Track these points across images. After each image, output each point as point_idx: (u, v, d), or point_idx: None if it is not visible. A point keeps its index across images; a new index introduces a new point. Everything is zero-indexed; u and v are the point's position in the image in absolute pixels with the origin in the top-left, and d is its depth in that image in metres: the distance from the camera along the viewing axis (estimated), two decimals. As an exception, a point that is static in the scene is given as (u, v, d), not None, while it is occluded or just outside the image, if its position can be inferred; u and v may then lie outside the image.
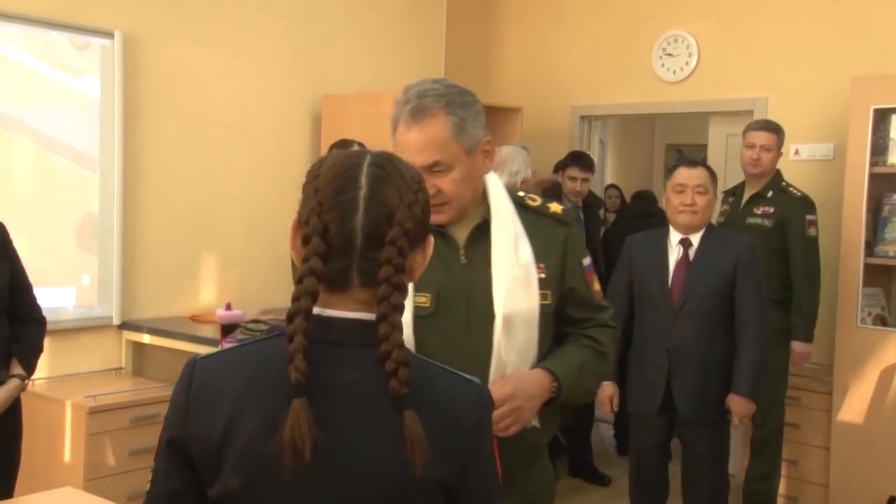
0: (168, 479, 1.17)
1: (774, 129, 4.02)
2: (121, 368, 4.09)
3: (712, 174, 3.31)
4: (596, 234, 4.94)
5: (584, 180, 4.64)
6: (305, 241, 1.13)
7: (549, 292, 1.79)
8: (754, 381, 3.21)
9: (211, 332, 3.95)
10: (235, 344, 1.26)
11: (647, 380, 3.31)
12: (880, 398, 3.93)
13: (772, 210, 3.95)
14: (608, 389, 3.40)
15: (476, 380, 1.18)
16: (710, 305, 3.23)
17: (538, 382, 1.73)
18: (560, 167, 4.81)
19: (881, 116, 4.02)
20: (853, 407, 3.99)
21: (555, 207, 1.88)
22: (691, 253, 3.28)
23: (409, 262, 1.16)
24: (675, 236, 3.32)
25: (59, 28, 3.81)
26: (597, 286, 1.92)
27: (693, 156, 7.98)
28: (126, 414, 3.59)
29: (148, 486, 1.20)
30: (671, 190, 3.29)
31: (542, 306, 1.77)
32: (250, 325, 3.99)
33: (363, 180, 1.14)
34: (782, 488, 4.18)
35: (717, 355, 3.24)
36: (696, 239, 3.29)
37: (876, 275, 4.10)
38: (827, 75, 4.51)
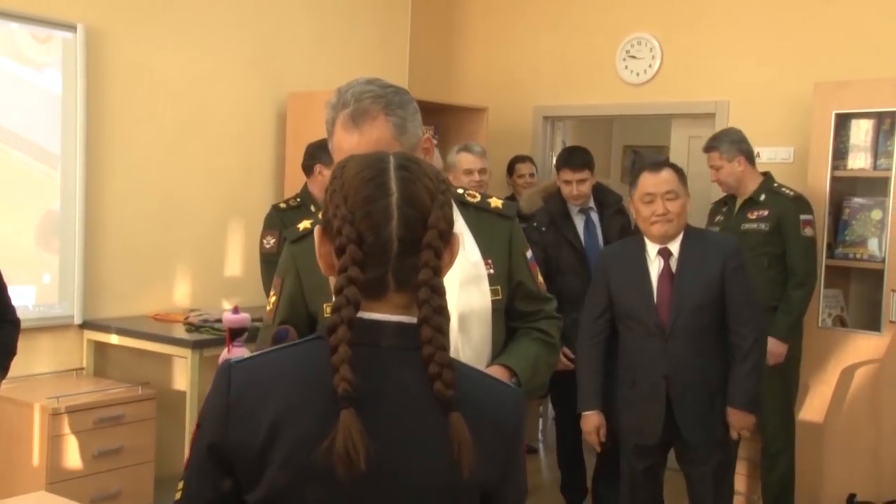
0: (203, 485, 1.15)
1: (711, 145, 4.04)
2: (82, 369, 4.00)
3: (680, 174, 3.05)
4: (614, 237, 4.08)
5: (581, 181, 4.06)
6: (340, 251, 1.12)
7: (499, 287, 1.81)
8: (751, 392, 2.97)
9: (175, 331, 3.90)
10: (271, 347, 1.24)
11: (645, 409, 3.03)
12: (840, 397, 4.01)
13: (766, 213, 3.90)
14: (594, 419, 3.09)
15: (513, 386, 1.21)
16: (703, 320, 2.97)
17: None
18: (556, 169, 4.30)
19: (842, 121, 4.10)
20: (814, 406, 4.07)
21: (495, 202, 1.89)
22: (673, 263, 3.00)
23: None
24: (652, 247, 3.04)
25: (19, 20, 3.71)
26: (540, 278, 1.93)
27: (651, 157, 8.11)
28: (90, 415, 3.51)
29: (177, 495, 1.18)
30: (639, 200, 3.01)
31: (494, 301, 1.79)
32: (216, 325, 3.95)
33: (393, 185, 1.13)
34: (742, 486, 4.24)
35: (715, 373, 3.00)
36: (675, 247, 3.01)
37: (835, 276, 4.19)
38: (789, 80, 4.59)
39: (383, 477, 1.09)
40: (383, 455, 1.08)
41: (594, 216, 4.16)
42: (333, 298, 1.10)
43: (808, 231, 3.87)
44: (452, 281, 1.73)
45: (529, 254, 1.91)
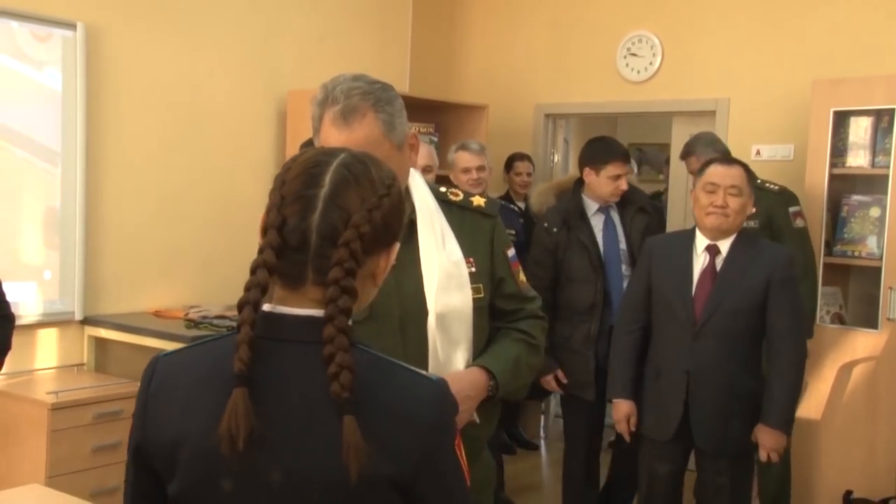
0: (133, 483, 1.21)
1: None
2: (83, 364, 4.03)
3: (749, 173, 2.98)
4: (636, 239, 3.72)
5: (627, 174, 3.74)
6: (264, 232, 1.13)
7: (481, 286, 1.82)
8: (787, 412, 2.87)
9: (175, 327, 3.92)
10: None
11: (664, 403, 2.97)
12: (838, 394, 4.02)
13: (754, 210, 3.88)
14: (625, 407, 3.05)
15: (436, 378, 1.17)
16: (737, 324, 2.87)
17: (474, 382, 1.75)
18: (592, 163, 3.75)
19: (840, 119, 4.10)
20: (812, 403, 4.07)
21: (478, 201, 1.89)
22: (718, 262, 2.92)
23: (370, 266, 1.16)
24: (701, 241, 2.96)
25: (19, 18, 3.74)
26: (522, 277, 1.93)
27: (654, 155, 8.11)
28: (89, 410, 3.54)
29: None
30: (700, 189, 2.92)
31: (476, 300, 1.79)
32: (216, 321, 3.98)
33: (327, 179, 1.13)
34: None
35: (744, 383, 2.90)
36: (725, 246, 2.93)
37: (834, 274, 4.19)
38: (788, 78, 4.59)
39: (278, 468, 1.09)
40: (279, 446, 1.09)
41: (615, 215, 3.80)
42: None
43: (799, 222, 3.85)
44: (431, 280, 1.73)
45: (511, 252, 1.91)
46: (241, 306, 1.10)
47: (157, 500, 1.17)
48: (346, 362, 1.06)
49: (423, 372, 1.19)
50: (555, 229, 3.72)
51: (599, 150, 3.77)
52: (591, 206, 3.79)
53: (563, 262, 3.70)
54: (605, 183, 3.71)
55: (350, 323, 1.11)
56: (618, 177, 3.69)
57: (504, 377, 1.78)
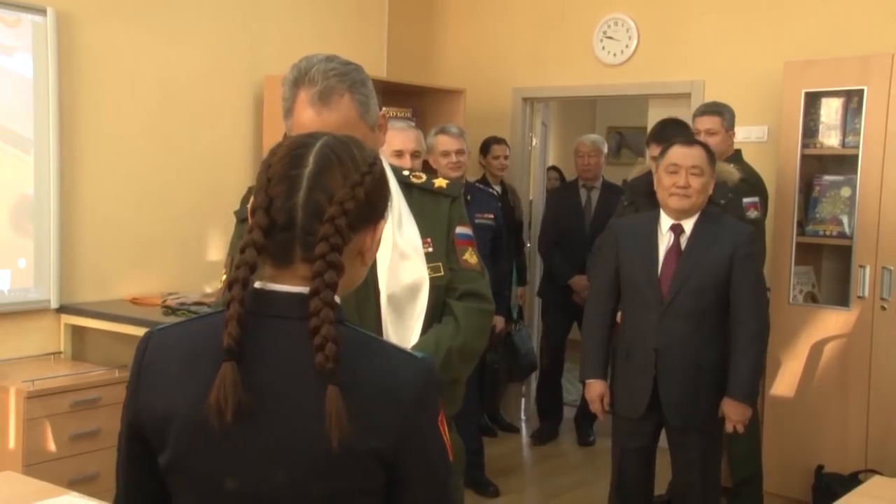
0: (126, 453, 1.25)
1: (716, 111, 3.99)
2: (60, 353, 4.02)
3: (710, 154, 3.03)
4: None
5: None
6: (252, 213, 1.16)
7: (440, 264, 1.82)
8: (751, 384, 2.97)
9: (153, 314, 3.92)
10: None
11: (634, 380, 3.04)
12: (810, 372, 4.07)
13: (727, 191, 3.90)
14: (597, 387, 3.13)
15: (421, 356, 1.21)
16: (703, 301, 2.95)
17: None
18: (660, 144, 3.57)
19: (812, 99, 4.13)
20: (785, 381, 4.13)
21: (440, 182, 1.90)
22: (683, 241, 2.99)
23: (357, 244, 1.19)
24: (665, 221, 3.03)
25: (-11, 4, 3.71)
26: (469, 256, 1.89)
27: (633, 138, 8.15)
28: (66, 398, 3.54)
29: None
30: (663, 170, 2.99)
31: (435, 279, 1.80)
32: (193, 308, 3.98)
33: (311, 159, 1.17)
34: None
35: (709, 357, 2.97)
36: (688, 225, 2.99)
37: (807, 253, 4.24)
38: (761, 59, 4.62)
39: (265, 439, 1.13)
40: (266, 418, 1.12)
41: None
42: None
43: (752, 213, 3.85)
44: (383, 261, 1.75)
45: (462, 230, 1.90)
46: (230, 284, 1.13)
47: (149, 469, 1.21)
48: (331, 334, 1.10)
49: (410, 350, 1.24)
50: (625, 203, 3.82)
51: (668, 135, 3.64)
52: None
53: None
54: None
55: (337, 300, 1.14)
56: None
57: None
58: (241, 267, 1.13)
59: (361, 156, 1.20)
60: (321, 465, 1.12)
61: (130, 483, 1.27)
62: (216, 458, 1.14)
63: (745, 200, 3.85)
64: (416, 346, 1.77)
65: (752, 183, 3.93)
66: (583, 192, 5.32)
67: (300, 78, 1.68)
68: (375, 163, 1.21)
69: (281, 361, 1.14)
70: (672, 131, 3.70)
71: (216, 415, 1.08)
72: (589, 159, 5.26)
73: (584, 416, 5.13)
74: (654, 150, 3.69)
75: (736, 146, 4.20)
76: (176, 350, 1.20)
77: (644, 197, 3.73)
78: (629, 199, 3.86)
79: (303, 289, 1.15)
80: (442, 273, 1.83)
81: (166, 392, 1.17)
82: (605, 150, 5.48)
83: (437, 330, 1.81)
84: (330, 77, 1.66)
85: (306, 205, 1.14)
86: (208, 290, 4.49)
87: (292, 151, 1.18)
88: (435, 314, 1.82)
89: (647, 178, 3.77)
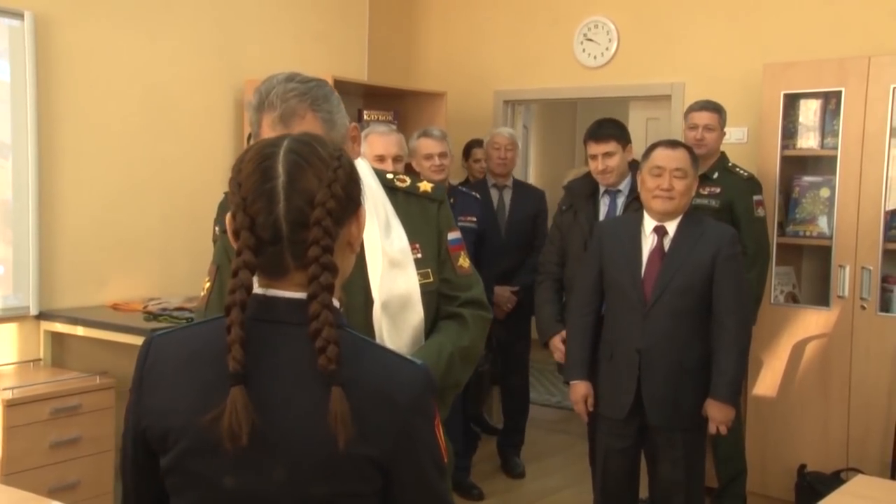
0: (130, 455, 1.27)
1: (715, 108, 4.05)
2: (39, 360, 3.98)
3: (693, 156, 3.06)
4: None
5: (608, 154, 3.66)
6: (235, 236, 1.17)
7: (429, 270, 1.83)
8: (734, 385, 2.97)
9: (134, 320, 3.89)
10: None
11: (617, 381, 3.05)
12: (792, 372, 4.10)
13: (718, 190, 3.92)
14: (581, 388, 3.14)
15: (419, 362, 1.22)
16: (686, 302, 2.96)
17: None
18: (584, 143, 3.84)
19: (791, 101, 4.17)
20: (767, 381, 4.15)
21: (425, 186, 1.90)
22: (666, 243, 3.01)
23: (344, 237, 1.20)
24: (649, 223, 3.05)
25: (-35, 8, 3.67)
26: (463, 261, 1.91)
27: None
28: (46, 406, 3.50)
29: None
30: (647, 172, 3.01)
31: (425, 285, 1.80)
32: (175, 314, 3.95)
33: (280, 169, 1.17)
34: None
35: (692, 358, 2.98)
36: (672, 227, 3.01)
37: (787, 254, 4.27)
38: (740, 62, 4.65)
39: (269, 445, 1.14)
40: (270, 424, 1.13)
41: (619, 200, 3.76)
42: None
43: (760, 211, 3.95)
44: (375, 267, 1.75)
45: (453, 235, 1.91)
46: (228, 308, 1.14)
47: (154, 471, 1.23)
48: (332, 336, 1.11)
49: (407, 356, 1.26)
50: (563, 208, 3.88)
51: (586, 132, 3.77)
52: (601, 188, 3.81)
53: (567, 241, 3.81)
54: (589, 163, 3.75)
55: (336, 304, 1.15)
56: (592, 157, 3.70)
57: (436, 373, 1.78)
58: (238, 290, 1.14)
59: (327, 151, 1.20)
60: (321, 467, 1.13)
61: (136, 484, 1.29)
62: (217, 461, 1.15)
63: (755, 198, 3.91)
64: (419, 352, 1.77)
65: (757, 181, 3.98)
66: (494, 192, 4.74)
67: (261, 102, 1.67)
68: (341, 154, 1.22)
69: (282, 367, 1.16)
70: (609, 131, 3.69)
71: (231, 440, 1.10)
72: (507, 153, 4.70)
73: (510, 444, 4.84)
74: (591, 149, 3.69)
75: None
76: (177, 355, 1.22)
77: (583, 199, 3.81)
78: (568, 202, 3.88)
79: (301, 294, 1.16)
80: (431, 279, 1.83)
81: (167, 396, 1.20)
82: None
83: (440, 335, 1.82)
84: (289, 99, 1.64)
85: (288, 215, 1.15)
86: (190, 295, 4.46)
87: (259, 165, 1.17)
88: (429, 319, 1.82)
89: (586, 179, 3.87)
